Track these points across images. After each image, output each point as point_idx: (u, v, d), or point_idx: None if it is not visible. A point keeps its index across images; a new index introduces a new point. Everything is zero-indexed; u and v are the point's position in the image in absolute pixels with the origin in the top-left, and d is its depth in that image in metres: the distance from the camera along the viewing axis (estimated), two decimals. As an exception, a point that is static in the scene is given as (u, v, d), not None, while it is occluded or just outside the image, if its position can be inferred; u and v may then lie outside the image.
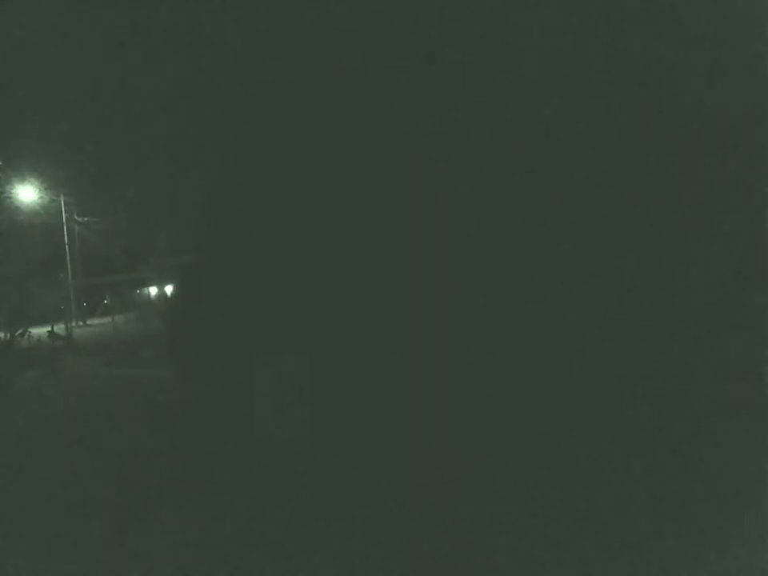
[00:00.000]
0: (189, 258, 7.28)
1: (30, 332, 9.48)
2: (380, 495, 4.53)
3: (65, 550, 4.12)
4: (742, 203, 5.36)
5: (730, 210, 5.39)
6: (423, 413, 5.52)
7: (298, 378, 5.82)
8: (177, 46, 6.98)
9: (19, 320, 9.38)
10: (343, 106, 6.17)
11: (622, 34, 5.51)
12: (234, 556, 3.85)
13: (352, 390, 5.81)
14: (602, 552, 3.53)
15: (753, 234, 5.34)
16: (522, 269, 5.71)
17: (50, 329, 10.53)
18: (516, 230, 5.74)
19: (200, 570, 3.73)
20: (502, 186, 5.80)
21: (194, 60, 6.85)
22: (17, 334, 9.19)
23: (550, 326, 5.64)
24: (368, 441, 5.49)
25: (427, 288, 5.78)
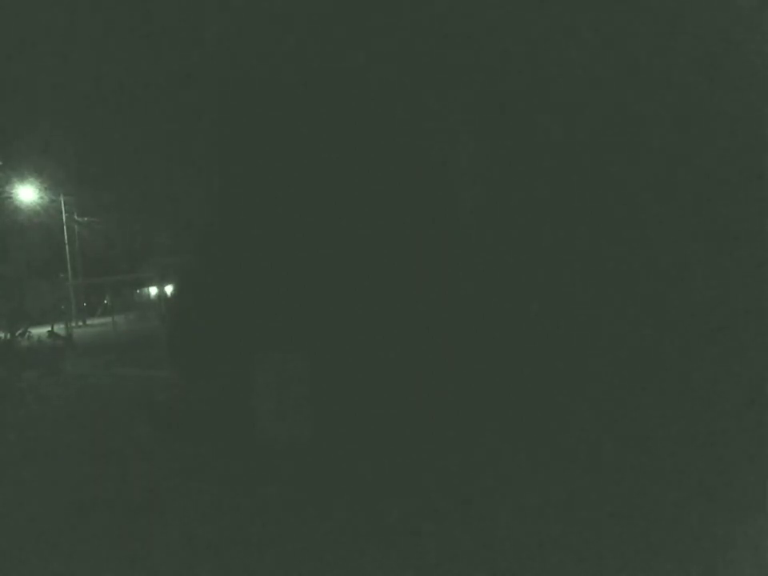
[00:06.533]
0: (189, 258, 7.29)
1: (29, 332, 9.49)
2: (380, 496, 4.53)
3: (65, 550, 4.12)
4: (742, 203, 5.37)
5: (731, 209, 5.39)
6: (423, 413, 5.52)
7: (298, 379, 5.82)
8: (176, 45, 6.99)
9: (19, 320, 9.40)
10: (343, 105, 6.17)
11: (622, 34, 5.52)
12: (235, 556, 3.85)
13: (352, 390, 5.82)
14: (601, 553, 3.54)
15: (753, 233, 5.34)
16: (522, 270, 5.72)
17: (50, 329, 10.55)
18: (517, 229, 5.74)
19: (200, 570, 3.73)
20: (504, 186, 5.80)
21: (194, 59, 6.86)
22: (17, 334, 9.20)
23: (550, 327, 5.65)
24: (368, 441, 5.50)
25: (428, 288, 5.79)
